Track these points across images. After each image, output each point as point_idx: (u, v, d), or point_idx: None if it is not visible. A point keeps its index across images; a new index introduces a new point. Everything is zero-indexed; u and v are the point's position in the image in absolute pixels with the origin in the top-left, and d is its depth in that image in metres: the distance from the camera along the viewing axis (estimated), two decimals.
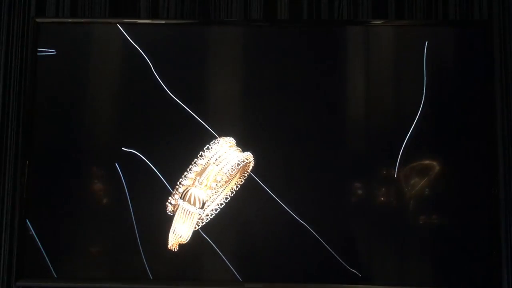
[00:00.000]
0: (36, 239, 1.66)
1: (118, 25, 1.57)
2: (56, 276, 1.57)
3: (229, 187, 1.13)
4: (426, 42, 1.71)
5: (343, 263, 1.35)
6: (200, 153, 1.08)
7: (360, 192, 1.41)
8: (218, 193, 1.04)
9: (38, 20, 1.76)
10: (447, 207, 1.67)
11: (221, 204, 1.15)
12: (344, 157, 1.47)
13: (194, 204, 0.98)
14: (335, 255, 1.30)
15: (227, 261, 1.22)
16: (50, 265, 1.64)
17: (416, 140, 1.67)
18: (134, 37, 1.49)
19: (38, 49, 1.65)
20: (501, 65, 1.82)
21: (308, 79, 1.46)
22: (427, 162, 1.67)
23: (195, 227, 1.06)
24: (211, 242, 1.18)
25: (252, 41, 1.50)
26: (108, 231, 1.42)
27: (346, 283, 1.58)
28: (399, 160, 1.65)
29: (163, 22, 1.80)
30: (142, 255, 1.27)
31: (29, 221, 1.67)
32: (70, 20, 1.79)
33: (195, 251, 1.24)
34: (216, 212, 1.17)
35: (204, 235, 1.19)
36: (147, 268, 1.29)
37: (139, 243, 1.28)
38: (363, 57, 1.70)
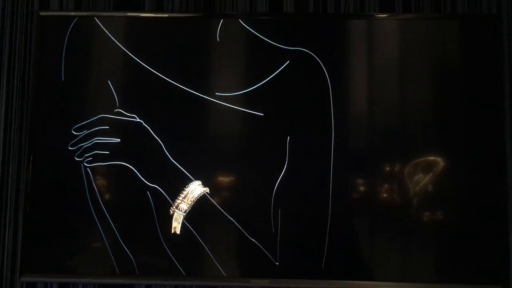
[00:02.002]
0: (41, 234, 1.69)
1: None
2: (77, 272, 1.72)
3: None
4: (433, 37, 1.70)
5: (258, 244, 1.71)
6: (184, 188, 1.70)
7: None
8: (192, 206, 1.71)
9: (42, 13, 1.76)
10: (454, 203, 1.66)
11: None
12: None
13: (181, 211, 1.70)
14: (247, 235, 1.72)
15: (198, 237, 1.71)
16: (57, 260, 1.70)
17: (415, 140, 1.69)
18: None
19: None
20: (510, 60, 1.80)
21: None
22: (431, 158, 1.68)
23: (183, 221, 1.70)
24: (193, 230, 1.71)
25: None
26: (130, 225, 1.74)
27: (348, 280, 1.64)
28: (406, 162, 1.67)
29: (167, 15, 1.80)
30: (161, 239, 1.70)
31: (33, 216, 1.69)
32: (73, 13, 1.79)
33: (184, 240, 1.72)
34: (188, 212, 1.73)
35: (189, 226, 1.71)
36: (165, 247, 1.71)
37: (159, 230, 1.70)
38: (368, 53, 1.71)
